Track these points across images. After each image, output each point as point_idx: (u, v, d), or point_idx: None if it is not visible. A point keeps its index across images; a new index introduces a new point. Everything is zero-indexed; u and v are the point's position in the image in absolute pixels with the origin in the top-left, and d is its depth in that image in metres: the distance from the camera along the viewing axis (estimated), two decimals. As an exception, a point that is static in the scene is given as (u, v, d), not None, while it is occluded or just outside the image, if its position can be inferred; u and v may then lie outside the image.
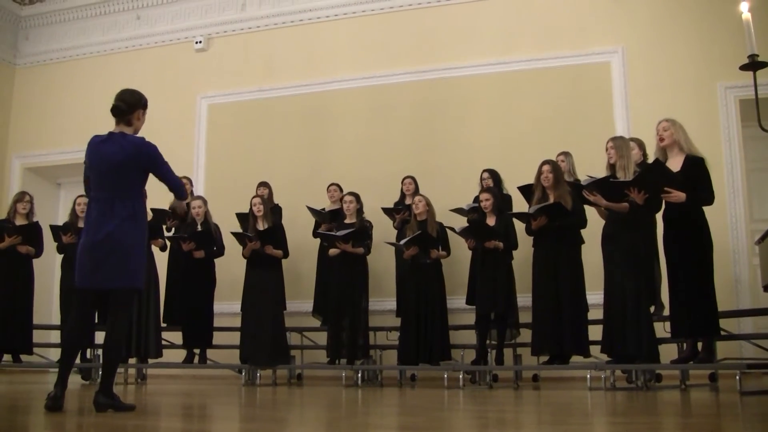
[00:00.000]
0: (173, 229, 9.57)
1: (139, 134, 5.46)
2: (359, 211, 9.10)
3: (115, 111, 5.37)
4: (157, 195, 9.68)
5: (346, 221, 9.02)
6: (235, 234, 8.95)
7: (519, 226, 8.24)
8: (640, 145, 7.89)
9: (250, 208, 9.07)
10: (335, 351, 8.77)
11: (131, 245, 5.17)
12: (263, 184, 9.91)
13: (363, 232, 8.85)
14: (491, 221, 8.28)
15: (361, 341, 8.76)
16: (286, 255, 9.11)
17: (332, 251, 8.91)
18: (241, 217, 9.62)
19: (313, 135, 11.03)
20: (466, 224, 8.51)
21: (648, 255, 7.22)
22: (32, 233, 9.02)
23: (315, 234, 9.42)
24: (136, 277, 5.23)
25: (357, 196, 9.12)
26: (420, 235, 8.33)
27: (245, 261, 9.12)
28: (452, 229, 8.42)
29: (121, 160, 5.18)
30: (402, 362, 8.51)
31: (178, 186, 5.54)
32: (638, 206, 6.79)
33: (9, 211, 9.26)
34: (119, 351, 5.47)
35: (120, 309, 5.28)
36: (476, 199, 8.73)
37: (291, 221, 9.37)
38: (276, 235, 8.90)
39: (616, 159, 7.20)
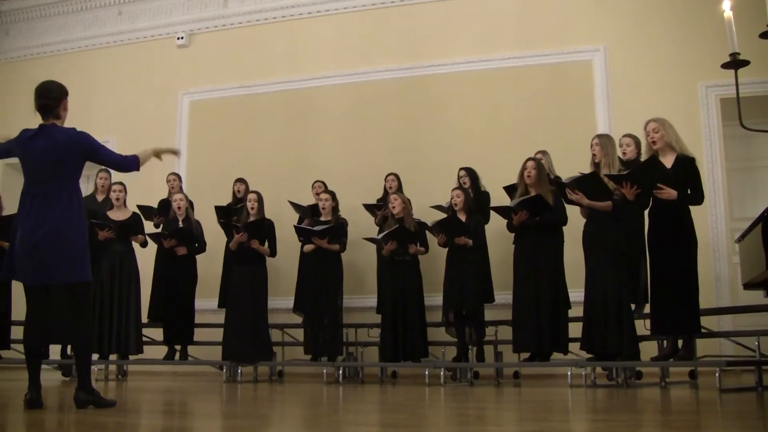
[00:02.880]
0: (161, 225, 9.55)
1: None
2: (335, 209, 9.09)
3: (43, 109, 5.26)
4: (143, 191, 9.66)
5: (322, 219, 9.01)
6: (223, 225, 8.92)
7: (497, 224, 8.28)
8: (637, 142, 7.87)
9: (238, 203, 9.05)
10: (310, 348, 8.79)
11: (75, 238, 5.12)
12: (240, 180, 9.89)
13: (340, 229, 8.87)
14: (462, 218, 8.30)
15: (336, 339, 8.78)
16: (273, 254, 9.09)
17: (307, 247, 8.91)
18: (219, 210, 9.58)
19: (295, 132, 11.01)
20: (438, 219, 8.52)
21: (632, 252, 7.23)
22: (5, 226, 8.90)
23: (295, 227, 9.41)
24: (83, 270, 5.17)
25: (333, 194, 9.11)
26: (397, 229, 8.35)
27: (225, 258, 9.10)
28: (424, 225, 8.46)
29: (56, 152, 5.13)
30: (382, 359, 8.52)
31: (120, 162, 5.48)
32: (627, 202, 6.79)
33: None
34: (87, 346, 5.43)
35: (79, 305, 5.25)
36: (455, 197, 8.75)
37: (273, 218, 9.34)
38: (263, 229, 8.87)
39: (600, 157, 7.22)
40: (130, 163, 5.53)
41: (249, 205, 8.97)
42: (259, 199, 9.02)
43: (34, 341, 5.31)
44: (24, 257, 5.11)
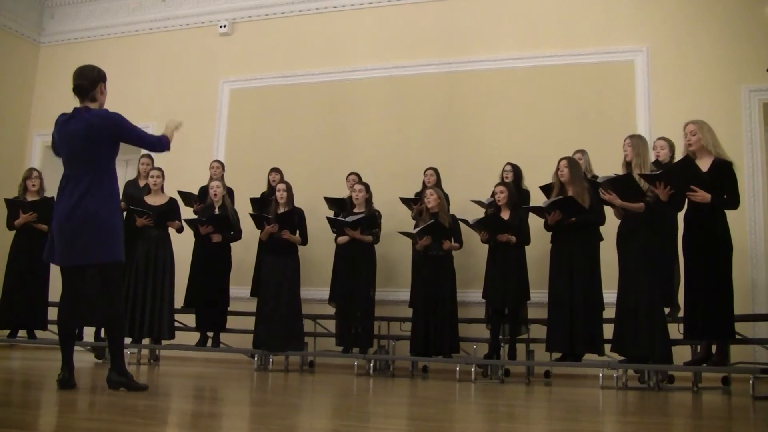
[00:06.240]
0: (199, 212, 9.62)
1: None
2: (368, 200, 9.11)
3: (78, 90, 5.31)
4: (181, 178, 9.73)
5: (355, 210, 9.05)
6: (253, 216, 8.95)
7: (535, 223, 8.24)
8: (671, 145, 7.82)
9: (274, 193, 9.07)
10: (341, 339, 8.88)
11: (108, 219, 5.18)
12: (275, 170, 9.92)
13: (372, 219, 8.88)
14: (505, 215, 8.27)
15: (368, 331, 8.82)
16: (304, 242, 9.11)
17: (341, 239, 8.95)
18: (254, 201, 9.64)
19: (334, 123, 11.03)
20: (481, 217, 8.49)
21: (665, 255, 7.18)
22: (46, 208, 9.04)
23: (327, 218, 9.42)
24: (117, 250, 5.23)
25: (367, 186, 9.15)
26: (433, 224, 8.33)
27: (259, 247, 9.14)
28: (465, 222, 8.42)
29: (89, 134, 5.18)
30: (413, 353, 8.52)
31: (154, 142, 5.53)
32: (660, 203, 6.74)
33: (20, 189, 9.30)
34: (119, 327, 5.48)
35: (110, 285, 5.31)
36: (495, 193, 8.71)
37: (309, 209, 9.36)
38: (294, 220, 8.90)
39: (632, 157, 7.16)
40: (163, 144, 5.58)
41: (278, 195, 8.99)
42: (288, 189, 9.03)
43: (69, 322, 5.39)
44: (59, 239, 5.18)
